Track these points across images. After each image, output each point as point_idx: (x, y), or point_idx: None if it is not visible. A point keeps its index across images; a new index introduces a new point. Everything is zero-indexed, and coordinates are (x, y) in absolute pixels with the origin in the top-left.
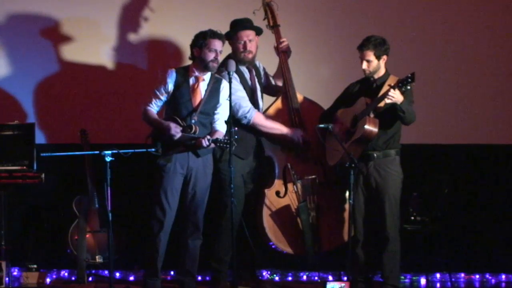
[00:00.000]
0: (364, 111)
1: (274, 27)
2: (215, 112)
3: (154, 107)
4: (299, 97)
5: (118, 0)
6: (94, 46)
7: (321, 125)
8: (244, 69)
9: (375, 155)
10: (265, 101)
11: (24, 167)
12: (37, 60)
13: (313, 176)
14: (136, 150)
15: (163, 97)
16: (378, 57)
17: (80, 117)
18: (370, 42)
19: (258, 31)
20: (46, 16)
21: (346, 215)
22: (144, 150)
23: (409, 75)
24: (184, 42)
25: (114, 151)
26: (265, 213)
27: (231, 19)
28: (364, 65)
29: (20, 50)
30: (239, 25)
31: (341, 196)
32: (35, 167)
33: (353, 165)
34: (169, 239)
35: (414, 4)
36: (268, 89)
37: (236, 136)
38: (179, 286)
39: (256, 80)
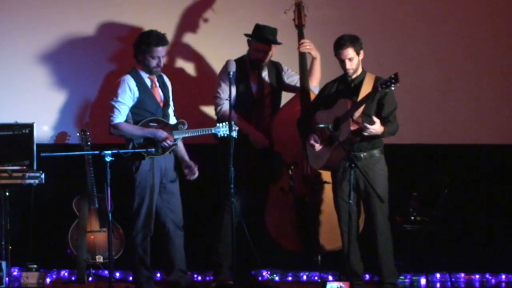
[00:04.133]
0: (346, 114)
1: (298, 27)
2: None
3: (123, 118)
4: (313, 96)
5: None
6: (93, 46)
7: (321, 125)
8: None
9: (362, 155)
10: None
11: (24, 167)
12: (37, 60)
13: (316, 174)
14: (136, 150)
15: (130, 105)
16: (358, 53)
17: (80, 117)
18: (347, 40)
19: (277, 44)
20: (47, 16)
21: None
22: (144, 150)
23: (392, 75)
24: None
25: (114, 151)
26: (268, 207)
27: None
28: (348, 64)
29: (20, 50)
30: (261, 35)
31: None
32: (35, 167)
33: (353, 165)
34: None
35: (414, 4)
36: (287, 88)
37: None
38: (175, 286)
39: (266, 79)
